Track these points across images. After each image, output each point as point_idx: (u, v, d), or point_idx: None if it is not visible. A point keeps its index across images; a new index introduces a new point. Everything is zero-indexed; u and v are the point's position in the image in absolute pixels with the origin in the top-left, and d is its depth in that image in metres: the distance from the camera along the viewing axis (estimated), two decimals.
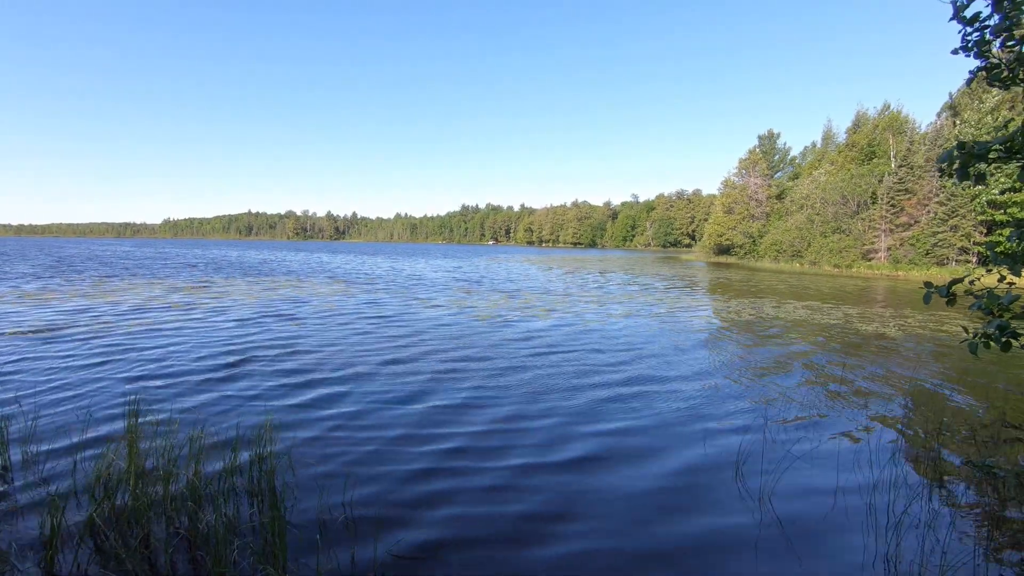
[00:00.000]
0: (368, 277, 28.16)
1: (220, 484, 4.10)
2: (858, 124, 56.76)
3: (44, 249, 65.44)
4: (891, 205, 42.98)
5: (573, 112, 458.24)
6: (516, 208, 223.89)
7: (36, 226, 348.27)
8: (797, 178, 64.86)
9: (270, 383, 7.26)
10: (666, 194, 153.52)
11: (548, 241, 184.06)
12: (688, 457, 5.06)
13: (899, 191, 42.60)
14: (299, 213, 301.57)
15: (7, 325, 11.30)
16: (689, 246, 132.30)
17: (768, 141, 71.50)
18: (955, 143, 2.58)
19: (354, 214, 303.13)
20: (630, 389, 7.33)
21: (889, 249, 42.78)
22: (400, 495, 4.19)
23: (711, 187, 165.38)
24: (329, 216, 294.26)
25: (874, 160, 50.81)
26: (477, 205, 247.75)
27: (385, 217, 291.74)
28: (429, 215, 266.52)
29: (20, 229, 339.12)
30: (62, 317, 12.54)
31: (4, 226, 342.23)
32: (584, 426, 5.85)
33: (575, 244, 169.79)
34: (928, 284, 2.77)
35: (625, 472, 4.71)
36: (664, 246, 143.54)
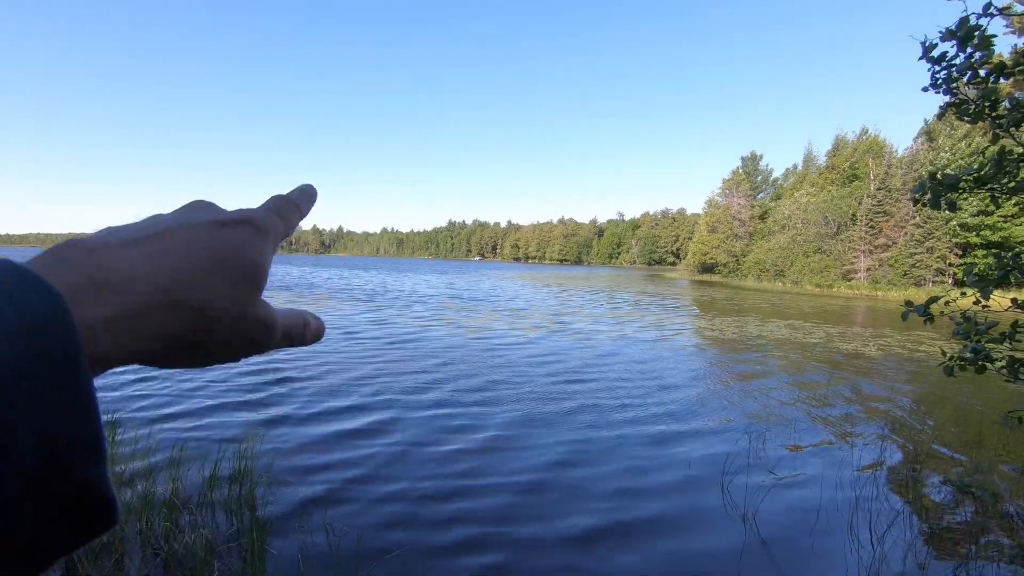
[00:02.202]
0: (366, 293, 28.00)
1: (199, 502, 4.04)
2: (837, 147, 58.33)
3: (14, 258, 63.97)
4: (870, 226, 44.02)
5: (559, 128, 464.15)
6: (503, 224, 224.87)
7: (11, 235, 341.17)
8: (779, 199, 66.23)
9: (256, 398, 7.18)
10: (651, 212, 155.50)
11: (534, 257, 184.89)
12: (673, 475, 5.10)
13: (877, 213, 43.68)
14: None
15: None
16: (674, 264, 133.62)
17: (751, 162, 73.08)
18: (927, 175, 2.70)
19: (340, 228, 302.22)
20: (621, 412, 7.36)
21: (868, 270, 43.70)
22: (386, 522, 4.12)
23: (695, 206, 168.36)
24: (315, 229, 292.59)
25: (855, 182, 52.13)
26: (464, 221, 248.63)
27: (371, 231, 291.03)
28: (416, 230, 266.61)
29: None
30: None
31: None
32: (561, 440, 5.88)
33: (561, 261, 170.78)
34: (908, 303, 2.87)
35: (608, 491, 4.73)
36: (649, 264, 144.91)
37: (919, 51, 2.66)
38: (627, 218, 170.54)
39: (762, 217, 64.57)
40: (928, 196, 2.59)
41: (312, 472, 4.93)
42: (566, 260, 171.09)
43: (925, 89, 2.62)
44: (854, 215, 46.77)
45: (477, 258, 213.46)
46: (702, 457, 5.58)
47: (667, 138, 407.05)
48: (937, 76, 2.60)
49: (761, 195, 72.02)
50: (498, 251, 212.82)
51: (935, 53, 2.56)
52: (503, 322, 16.53)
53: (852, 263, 44.84)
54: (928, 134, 47.86)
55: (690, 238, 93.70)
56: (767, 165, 73.91)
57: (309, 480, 4.74)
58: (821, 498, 4.63)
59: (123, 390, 7.39)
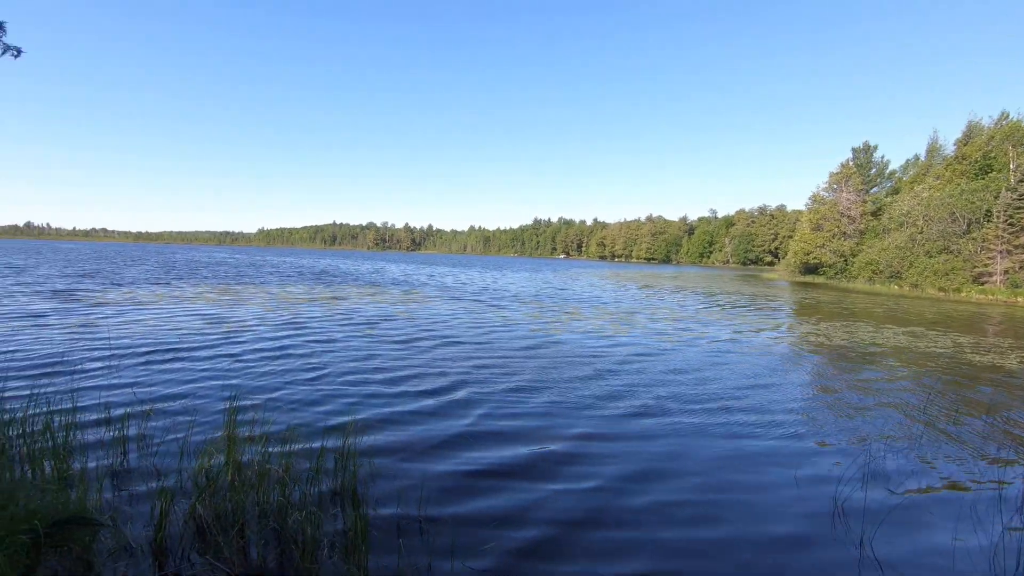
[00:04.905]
0: (458, 290, 29.00)
1: (307, 483, 4.33)
2: (970, 135, 51.92)
3: (160, 254, 72.47)
4: (1009, 224, 38.89)
5: (648, 123, 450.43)
6: (588, 222, 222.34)
7: (151, 233, 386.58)
8: (897, 193, 60.18)
9: (365, 388, 7.70)
10: (747, 209, 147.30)
11: (621, 256, 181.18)
12: (782, 494, 4.78)
13: (1019, 208, 38.49)
14: (379, 224, 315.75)
15: (117, 324, 12.71)
16: (771, 264, 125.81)
17: (863, 154, 66.90)
18: None
19: (430, 226, 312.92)
20: (720, 418, 7.12)
21: (1006, 272, 38.66)
22: (478, 511, 4.20)
23: (796, 203, 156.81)
24: (407, 228, 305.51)
25: (990, 174, 46.23)
26: (549, 218, 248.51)
27: (459, 229, 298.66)
28: (502, 228, 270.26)
29: (138, 236, 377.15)
30: (168, 318, 13.94)
31: (123, 232, 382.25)
32: (653, 450, 5.74)
33: (648, 260, 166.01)
34: None
35: (718, 505, 4.58)
36: (744, 263, 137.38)
37: None
38: (720, 215, 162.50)
39: (875, 214, 58.94)
40: None
41: (410, 461, 5.19)
42: (653, 259, 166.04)
43: None
44: (989, 211, 41.48)
45: (562, 256, 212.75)
46: (812, 476, 5.19)
47: (765, 131, 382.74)
48: None
49: (875, 189, 65.73)
50: (583, 249, 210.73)
51: None
52: (605, 321, 16.45)
53: (986, 265, 39.83)
54: None
55: (790, 236, 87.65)
56: (882, 157, 67.23)
57: (407, 467, 4.94)
58: (955, 530, 4.19)
59: (243, 377, 8.23)
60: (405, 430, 5.96)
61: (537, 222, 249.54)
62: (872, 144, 67.03)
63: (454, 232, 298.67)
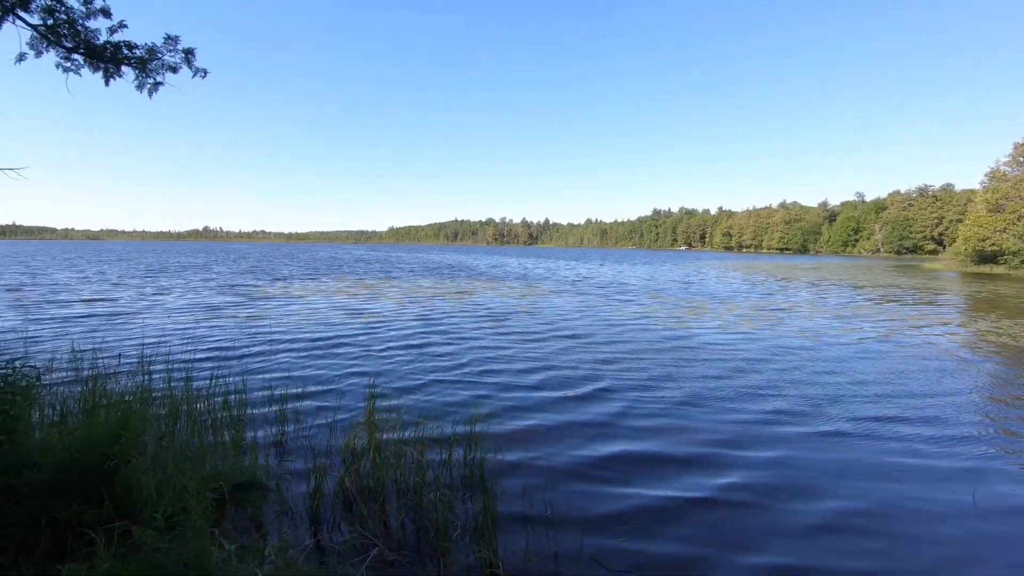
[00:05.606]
0: (579, 284, 29.08)
1: (440, 467, 4.58)
2: None
3: (306, 253, 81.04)
4: None
5: (780, 103, 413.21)
6: (712, 211, 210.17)
7: (299, 233, 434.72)
8: None
9: (495, 380, 7.98)
10: (903, 191, 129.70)
11: (749, 247, 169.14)
12: (964, 525, 4.04)
13: None
14: (497, 220, 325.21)
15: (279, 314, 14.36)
16: (934, 253, 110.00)
17: None
18: None
19: (546, 220, 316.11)
20: (880, 427, 6.32)
21: None
22: (609, 514, 4.07)
23: (968, 181, 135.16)
24: (524, 223, 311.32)
25: None
26: (669, 209, 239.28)
27: (576, 222, 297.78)
28: (619, 220, 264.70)
29: (289, 236, 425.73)
30: (316, 310, 15.51)
31: (277, 233, 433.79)
32: (820, 469, 5.16)
33: (781, 250, 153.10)
34: None
35: (882, 534, 4.02)
36: (898, 252, 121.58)
37: None
38: (868, 198, 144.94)
39: None
40: None
41: (536, 450, 5.28)
42: (787, 249, 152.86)
43: None
44: None
45: (683, 247, 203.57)
46: (1001, 507, 4.34)
47: (925, 102, 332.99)
48: None
49: None
50: (707, 240, 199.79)
51: None
52: (738, 315, 15.56)
53: None
54: None
55: (960, 220, 75.74)
56: None
57: (537, 463, 4.97)
58: None
59: (380, 365, 8.92)
60: (535, 424, 6.00)
61: (656, 213, 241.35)
62: None
63: (570, 226, 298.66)
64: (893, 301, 20.62)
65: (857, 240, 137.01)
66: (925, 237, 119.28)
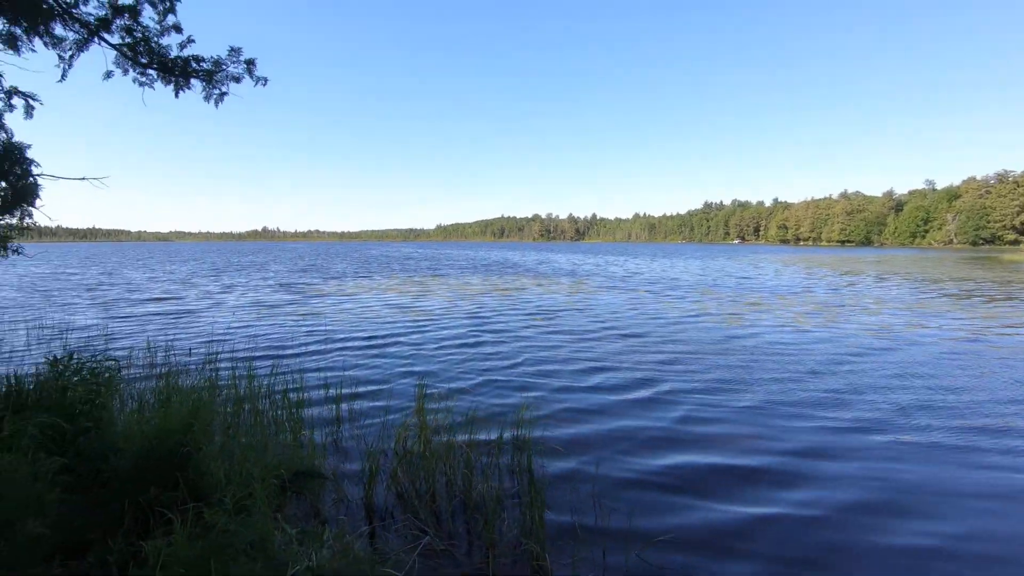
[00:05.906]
0: (629, 280, 28.78)
1: (488, 464, 4.63)
2: None
3: (358, 251, 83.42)
4: None
5: (842, 89, 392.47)
6: (767, 202, 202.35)
7: (352, 232, 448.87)
8: None
9: (545, 379, 8.01)
10: (979, 177, 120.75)
11: (807, 239, 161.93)
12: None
13: None
14: (543, 216, 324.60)
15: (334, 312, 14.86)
16: (1016, 243, 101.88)
17: None
18: None
19: (593, 215, 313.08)
20: (973, 439, 5.61)
21: None
22: (669, 528, 3.79)
23: None
24: (570, 218, 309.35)
25: None
26: (721, 201, 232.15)
27: (623, 217, 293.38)
28: (668, 214, 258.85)
29: (342, 235, 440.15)
30: (368, 307, 15.97)
31: (330, 232, 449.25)
32: (906, 485, 4.55)
33: (843, 242, 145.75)
34: None
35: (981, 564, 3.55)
36: (974, 243, 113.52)
37: None
38: (940, 186, 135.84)
39: None
40: None
41: (585, 445, 5.29)
42: (849, 241, 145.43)
43: None
44: None
45: (736, 241, 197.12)
46: None
47: (997, 87, 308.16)
48: None
49: None
50: (761, 233, 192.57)
51: None
52: (801, 312, 15.01)
53: None
54: None
55: None
56: None
57: (589, 466, 4.83)
58: None
59: (430, 362, 9.10)
60: (591, 428, 5.82)
61: (707, 205, 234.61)
62: None
63: (618, 220, 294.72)
64: (976, 296, 19.19)
65: (927, 231, 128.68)
66: (1005, 226, 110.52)
